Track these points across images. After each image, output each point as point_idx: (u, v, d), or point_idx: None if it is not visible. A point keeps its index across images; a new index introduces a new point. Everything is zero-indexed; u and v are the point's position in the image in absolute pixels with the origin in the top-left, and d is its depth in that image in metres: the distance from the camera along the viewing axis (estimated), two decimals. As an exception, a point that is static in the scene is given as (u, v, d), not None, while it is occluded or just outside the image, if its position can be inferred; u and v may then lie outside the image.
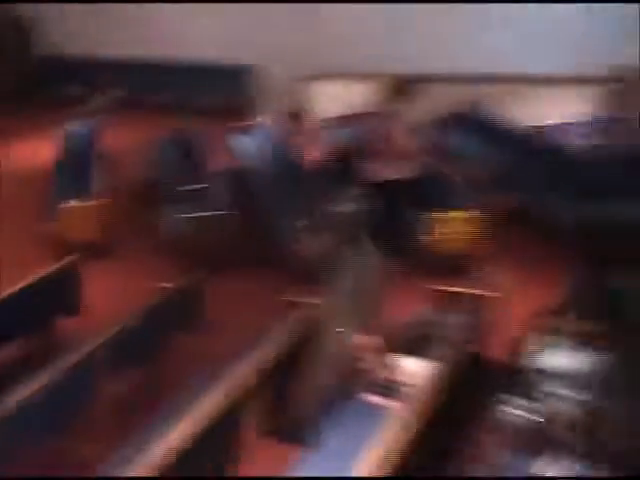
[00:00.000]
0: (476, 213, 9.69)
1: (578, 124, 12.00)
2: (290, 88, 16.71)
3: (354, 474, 4.72)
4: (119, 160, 14.40)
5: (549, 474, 5.15)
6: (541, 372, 6.40)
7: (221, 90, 17.74)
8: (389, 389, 6.61)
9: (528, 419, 6.06)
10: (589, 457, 5.06)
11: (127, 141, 15.00)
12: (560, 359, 6.24)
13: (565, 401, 6.13)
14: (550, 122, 12.92)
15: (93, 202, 10.35)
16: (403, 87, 9.89)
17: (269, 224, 10.42)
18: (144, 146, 13.69)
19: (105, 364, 6.61)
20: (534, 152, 11.89)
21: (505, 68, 15.20)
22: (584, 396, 6.09)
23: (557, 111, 12.01)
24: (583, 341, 6.19)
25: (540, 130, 12.85)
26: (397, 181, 9.95)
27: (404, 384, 6.56)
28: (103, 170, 11.17)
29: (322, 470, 5.56)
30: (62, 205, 10.18)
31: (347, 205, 7.01)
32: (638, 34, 12.73)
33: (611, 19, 14.32)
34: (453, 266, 9.73)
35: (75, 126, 14.63)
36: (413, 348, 7.12)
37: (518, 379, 6.95)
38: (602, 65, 10.17)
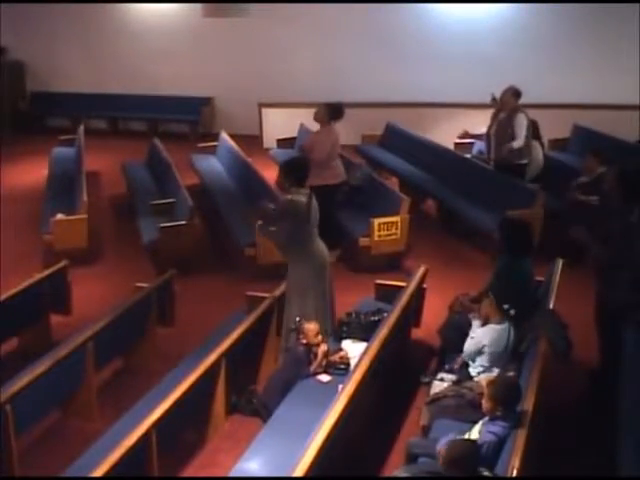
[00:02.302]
0: (406, 216, 9.73)
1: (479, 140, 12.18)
2: (244, 115, 16.74)
3: (308, 445, 4.71)
4: (101, 179, 14.36)
5: (474, 435, 5.16)
6: (461, 349, 6.46)
7: (186, 118, 17.68)
8: (336, 369, 6.63)
9: (453, 389, 6.12)
10: (504, 419, 5.08)
11: (107, 162, 14.93)
12: (477, 337, 6.28)
13: (484, 372, 6.20)
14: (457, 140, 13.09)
15: (79, 215, 10.24)
16: (336, 110, 9.91)
17: (228, 231, 10.40)
18: (122, 167, 13.63)
19: (93, 354, 6.57)
20: (447, 163, 12.01)
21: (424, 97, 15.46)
22: (499, 366, 6.17)
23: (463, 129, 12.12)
24: (498, 321, 6.22)
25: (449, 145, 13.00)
26: (335, 186, 10.00)
27: (348, 364, 6.59)
28: (87, 188, 11.04)
29: (280, 441, 5.56)
30: (53, 218, 10.07)
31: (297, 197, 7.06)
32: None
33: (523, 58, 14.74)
34: (389, 262, 9.83)
35: (63, 151, 14.56)
36: (356, 332, 7.15)
37: (443, 356, 7.04)
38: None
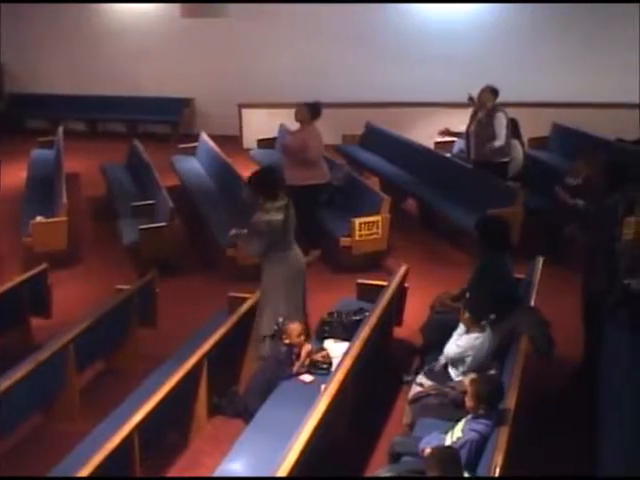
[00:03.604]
0: (387, 216, 9.75)
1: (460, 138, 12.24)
2: (224, 115, 16.72)
3: (291, 445, 4.71)
4: (80, 181, 14.29)
5: (457, 434, 5.18)
6: (443, 348, 6.48)
7: (166, 119, 17.65)
8: (318, 368, 6.63)
9: (436, 388, 6.14)
10: (487, 417, 5.10)
11: (87, 164, 14.86)
12: (462, 347, 6.29)
13: (464, 370, 6.22)
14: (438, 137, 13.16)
15: (59, 218, 10.19)
16: (316, 109, 9.93)
17: (209, 232, 10.38)
18: (101, 168, 13.58)
19: (74, 356, 6.55)
20: (428, 162, 12.05)
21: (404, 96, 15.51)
22: (477, 366, 6.19)
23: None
24: (476, 322, 6.25)
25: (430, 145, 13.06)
26: (323, 185, 10.01)
27: (331, 364, 6.59)
28: (67, 190, 10.99)
29: (263, 441, 5.55)
30: (32, 221, 10.02)
31: (274, 214, 7.01)
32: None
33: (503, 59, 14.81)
34: (370, 262, 9.84)
35: (42, 153, 14.49)
36: (338, 332, 7.15)
37: (425, 355, 7.05)
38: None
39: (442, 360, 6.42)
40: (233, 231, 7.39)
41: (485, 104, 10.25)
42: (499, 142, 10.12)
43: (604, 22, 14.48)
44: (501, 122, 10.13)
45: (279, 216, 7.00)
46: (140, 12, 17.50)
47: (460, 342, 6.27)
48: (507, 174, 10.45)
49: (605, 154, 7.87)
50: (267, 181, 7.23)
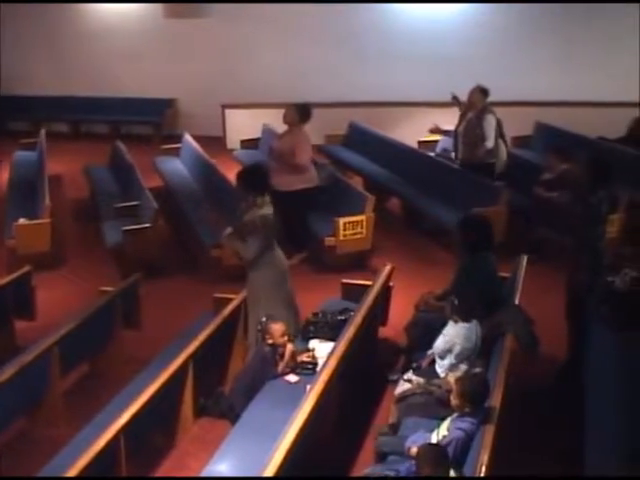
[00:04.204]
0: (371, 215, 9.76)
1: (444, 139, 12.30)
2: (207, 116, 16.69)
3: (278, 445, 4.70)
4: (64, 182, 14.23)
5: (443, 432, 5.19)
6: (428, 346, 6.50)
7: (149, 119, 17.60)
8: (304, 368, 6.63)
9: (422, 386, 6.15)
10: (472, 415, 5.11)
11: (70, 166, 14.80)
12: (449, 336, 6.30)
13: (451, 369, 6.22)
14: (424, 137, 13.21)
15: (42, 220, 10.15)
16: (306, 112, 9.90)
17: (193, 233, 10.36)
18: (84, 170, 13.53)
19: (58, 359, 6.52)
20: (411, 162, 12.07)
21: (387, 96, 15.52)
22: (467, 363, 6.20)
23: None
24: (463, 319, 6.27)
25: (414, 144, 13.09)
26: (313, 189, 10.00)
27: (316, 364, 6.59)
28: (50, 192, 10.95)
29: (249, 442, 5.53)
30: (15, 223, 9.97)
31: (267, 209, 7.02)
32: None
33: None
34: (355, 261, 9.84)
35: (24, 154, 14.42)
36: (323, 332, 7.15)
37: (409, 354, 7.06)
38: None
39: (429, 354, 6.44)
40: (229, 230, 7.36)
41: (475, 104, 10.26)
42: (490, 143, 10.14)
43: (586, 22, 14.55)
44: (490, 123, 10.15)
45: (270, 210, 7.04)
46: (123, 12, 17.42)
47: (448, 331, 6.29)
48: (494, 175, 10.46)
49: (588, 152, 7.92)
50: (258, 176, 7.26)
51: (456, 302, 6.32)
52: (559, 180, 9.25)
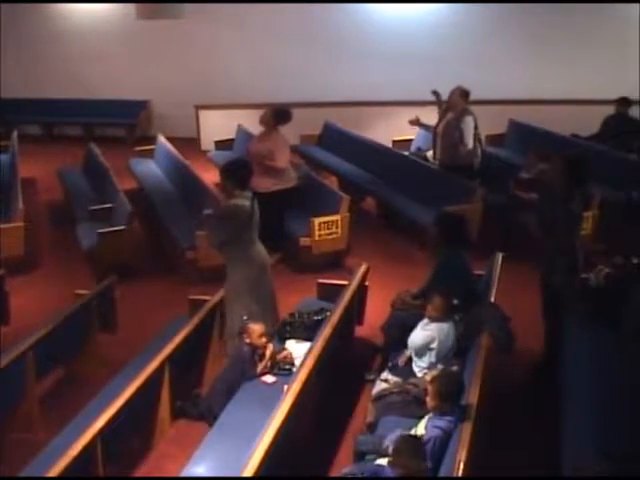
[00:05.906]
0: (346, 215, 9.77)
1: (418, 137, 12.36)
2: (181, 117, 16.64)
3: (256, 446, 4.70)
4: (37, 185, 14.14)
5: (420, 431, 5.20)
6: (404, 345, 6.52)
7: (123, 121, 17.52)
8: (281, 369, 6.63)
9: (399, 385, 6.16)
10: (449, 413, 5.13)
11: (43, 168, 14.70)
12: (430, 330, 6.33)
13: (429, 369, 6.24)
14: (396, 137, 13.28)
15: (15, 223, 10.08)
16: (282, 115, 9.90)
17: (168, 235, 10.33)
18: (58, 173, 13.45)
19: (33, 364, 6.47)
20: (386, 161, 12.10)
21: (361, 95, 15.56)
22: (444, 363, 6.23)
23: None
24: (439, 317, 6.30)
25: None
26: (291, 189, 9.98)
27: (293, 364, 6.59)
28: (23, 195, 10.88)
29: (227, 444, 5.53)
30: (-12, 227, 9.92)
31: (243, 201, 7.03)
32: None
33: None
34: (330, 261, 9.85)
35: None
36: (300, 332, 7.15)
37: (386, 353, 7.08)
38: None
39: (407, 352, 6.46)
40: (207, 211, 7.35)
41: (455, 106, 10.31)
42: (468, 146, 10.19)
43: (558, 18, 14.67)
44: (469, 126, 10.21)
45: (247, 203, 7.03)
46: (95, 13, 17.32)
47: (428, 327, 6.32)
48: (473, 175, 10.49)
49: (565, 154, 7.94)
50: (239, 169, 7.26)
51: (434, 300, 6.36)
52: (536, 180, 9.30)
